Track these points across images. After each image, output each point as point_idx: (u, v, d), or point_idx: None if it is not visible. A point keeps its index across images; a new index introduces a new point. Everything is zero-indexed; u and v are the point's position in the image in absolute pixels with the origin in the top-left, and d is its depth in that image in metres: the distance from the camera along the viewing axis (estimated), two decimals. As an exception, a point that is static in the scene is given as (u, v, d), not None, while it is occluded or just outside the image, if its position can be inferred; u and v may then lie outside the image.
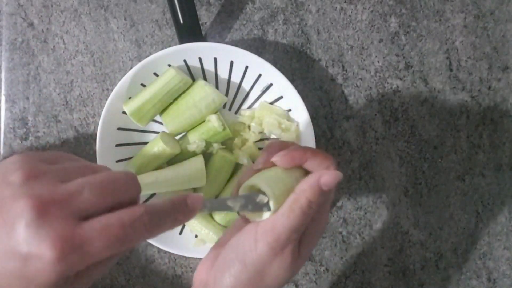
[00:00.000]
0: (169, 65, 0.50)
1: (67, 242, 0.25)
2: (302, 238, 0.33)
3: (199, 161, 0.50)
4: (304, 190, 0.31)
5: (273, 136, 0.54)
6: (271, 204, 0.32)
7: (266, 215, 0.32)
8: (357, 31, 0.56)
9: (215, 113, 0.51)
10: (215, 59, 0.51)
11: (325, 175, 0.31)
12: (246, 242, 0.32)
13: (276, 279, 0.32)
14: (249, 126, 0.53)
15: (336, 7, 0.55)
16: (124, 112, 0.50)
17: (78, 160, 0.32)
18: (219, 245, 0.35)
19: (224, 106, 0.54)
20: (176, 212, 0.30)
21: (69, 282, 0.27)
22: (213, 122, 0.50)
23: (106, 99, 0.49)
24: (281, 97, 0.52)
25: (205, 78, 0.53)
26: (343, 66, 0.56)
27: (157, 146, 0.50)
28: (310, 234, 0.33)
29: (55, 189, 0.26)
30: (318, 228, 0.34)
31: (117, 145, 0.51)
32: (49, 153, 0.31)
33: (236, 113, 0.54)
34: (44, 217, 0.25)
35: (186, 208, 0.30)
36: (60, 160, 0.30)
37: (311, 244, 0.34)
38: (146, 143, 0.52)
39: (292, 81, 0.50)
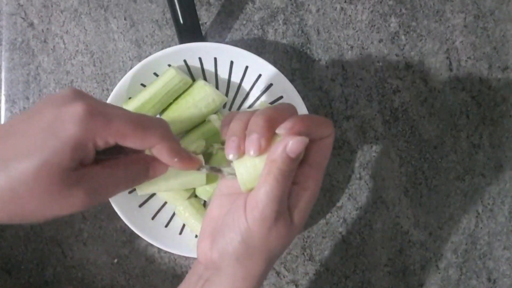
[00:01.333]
0: (169, 65, 0.50)
1: (94, 107, 0.30)
2: (291, 205, 0.34)
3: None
4: (274, 160, 0.32)
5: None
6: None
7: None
8: (357, 31, 0.56)
9: (215, 113, 0.51)
10: (215, 59, 0.51)
11: (290, 143, 0.32)
12: (240, 221, 0.34)
13: (278, 247, 0.35)
14: (249, 126, 0.53)
15: (336, 7, 0.55)
16: (124, 112, 0.50)
17: None
18: (211, 220, 0.37)
19: (224, 106, 0.54)
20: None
21: (88, 158, 0.31)
22: (214, 122, 0.50)
23: (106, 99, 0.49)
24: (281, 97, 0.52)
25: (205, 78, 0.53)
26: (343, 66, 0.56)
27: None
28: (299, 201, 0.34)
29: (113, 110, 0.32)
30: (308, 194, 0.35)
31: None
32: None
33: (236, 113, 0.54)
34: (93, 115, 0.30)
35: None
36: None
37: (303, 211, 0.35)
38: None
39: (292, 81, 0.50)
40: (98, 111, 0.31)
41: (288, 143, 0.32)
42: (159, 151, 0.35)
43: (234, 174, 0.36)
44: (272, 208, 0.32)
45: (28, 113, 0.31)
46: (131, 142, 0.32)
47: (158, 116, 0.52)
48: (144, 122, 0.33)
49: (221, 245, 0.35)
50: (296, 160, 0.33)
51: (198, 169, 0.37)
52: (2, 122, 0.55)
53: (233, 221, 0.34)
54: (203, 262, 0.36)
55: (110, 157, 0.34)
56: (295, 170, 0.34)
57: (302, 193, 0.35)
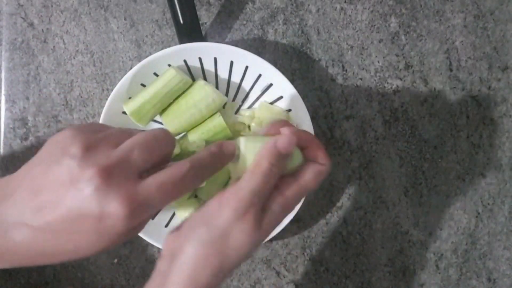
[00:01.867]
0: (169, 65, 0.50)
1: (133, 200, 0.30)
2: (266, 208, 0.34)
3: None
4: (264, 154, 0.34)
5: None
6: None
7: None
8: (357, 31, 0.56)
9: (216, 112, 0.51)
10: (215, 59, 0.51)
11: (280, 139, 0.34)
12: (211, 206, 0.33)
13: (238, 246, 0.33)
14: (249, 126, 0.53)
15: (336, 7, 0.55)
16: (124, 112, 0.50)
17: (112, 127, 0.36)
18: None
19: (224, 106, 0.54)
20: (215, 161, 0.35)
21: (134, 231, 0.32)
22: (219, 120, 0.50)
23: (106, 99, 0.49)
24: (281, 97, 0.52)
25: (205, 78, 0.53)
26: (343, 66, 0.56)
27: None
28: (275, 206, 0.34)
29: (113, 154, 0.30)
30: (283, 201, 0.35)
31: (117, 145, 0.51)
32: (90, 124, 0.35)
33: (236, 113, 0.54)
34: (110, 180, 0.29)
35: (223, 155, 0.35)
36: (100, 128, 0.34)
37: (274, 218, 0.34)
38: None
39: (292, 81, 0.50)
40: (137, 206, 0.30)
41: (279, 139, 0.34)
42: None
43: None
44: (250, 199, 0.32)
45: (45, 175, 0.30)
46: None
47: (157, 115, 0.52)
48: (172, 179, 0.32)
49: (186, 231, 0.33)
50: (284, 157, 0.34)
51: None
52: (2, 122, 0.55)
53: (204, 208, 0.34)
54: (165, 250, 0.35)
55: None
56: (280, 170, 0.34)
57: (279, 199, 0.34)
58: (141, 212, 0.30)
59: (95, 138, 0.31)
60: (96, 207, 0.29)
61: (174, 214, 0.53)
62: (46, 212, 0.30)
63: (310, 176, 0.36)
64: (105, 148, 0.31)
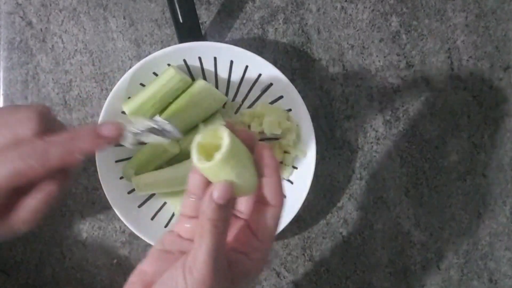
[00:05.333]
0: (169, 65, 0.50)
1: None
2: (236, 273, 0.33)
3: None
4: (203, 212, 0.31)
5: (273, 136, 0.54)
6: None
7: (218, 156, 0.30)
8: (357, 30, 0.55)
9: (216, 112, 0.51)
10: (215, 58, 0.50)
11: (215, 189, 0.31)
12: (179, 282, 0.31)
13: None
14: (249, 126, 0.53)
15: (337, 6, 0.55)
16: (123, 112, 0.50)
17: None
18: (145, 275, 0.34)
19: (224, 106, 0.53)
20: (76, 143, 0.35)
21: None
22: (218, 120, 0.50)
23: (105, 99, 0.49)
24: (281, 97, 0.51)
25: (205, 78, 0.52)
26: (343, 66, 0.55)
27: (156, 146, 0.49)
28: (245, 268, 0.33)
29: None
30: (253, 265, 0.33)
31: (116, 145, 0.51)
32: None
33: (236, 113, 0.54)
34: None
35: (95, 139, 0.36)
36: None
37: (245, 279, 0.33)
38: (146, 143, 0.52)
39: (292, 80, 0.50)
40: None
41: (213, 190, 0.31)
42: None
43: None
44: (210, 266, 0.30)
45: None
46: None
47: (157, 116, 0.51)
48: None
49: None
50: (226, 208, 0.31)
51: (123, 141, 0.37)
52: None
53: (171, 282, 0.31)
54: None
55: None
56: (228, 219, 0.32)
57: (248, 263, 0.33)
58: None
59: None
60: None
61: (173, 214, 0.53)
62: None
63: (269, 228, 0.34)
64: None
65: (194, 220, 0.34)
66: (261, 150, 0.33)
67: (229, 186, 0.31)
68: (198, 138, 0.31)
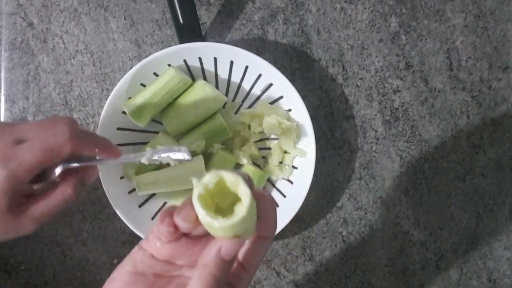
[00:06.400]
0: (169, 65, 0.50)
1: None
2: None
3: (199, 161, 0.50)
4: (206, 265, 0.28)
5: (273, 136, 0.54)
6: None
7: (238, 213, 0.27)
8: (357, 31, 0.55)
9: (216, 112, 0.51)
10: (215, 59, 0.51)
11: (225, 245, 0.28)
12: None
13: None
14: (249, 126, 0.53)
15: (336, 7, 0.55)
16: (124, 112, 0.50)
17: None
18: None
19: (224, 106, 0.54)
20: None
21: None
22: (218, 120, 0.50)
23: (106, 99, 0.49)
24: (281, 97, 0.52)
25: (205, 78, 0.53)
26: (343, 66, 0.56)
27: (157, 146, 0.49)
28: None
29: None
30: None
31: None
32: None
33: (236, 113, 0.54)
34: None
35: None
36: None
37: None
38: (146, 143, 0.52)
39: (292, 81, 0.50)
40: (8, 159, 0.36)
41: (222, 245, 0.28)
42: (80, 153, 0.39)
43: (182, 159, 0.40)
44: None
45: None
46: (49, 162, 0.37)
47: (157, 115, 0.52)
48: (50, 143, 0.37)
49: None
50: (231, 263, 0.29)
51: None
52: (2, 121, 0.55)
53: None
54: None
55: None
56: (228, 273, 0.30)
57: None
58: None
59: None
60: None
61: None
62: None
63: (257, 259, 0.32)
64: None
65: (168, 244, 0.31)
66: (262, 198, 0.30)
67: (240, 242, 0.29)
68: (200, 189, 0.28)
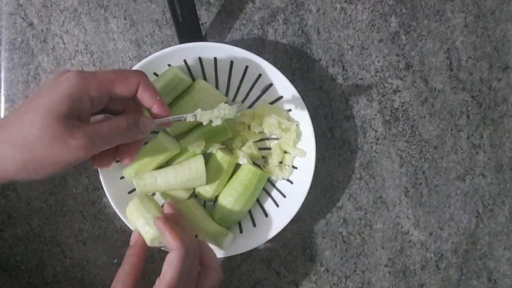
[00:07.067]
0: (169, 65, 0.50)
1: (83, 71, 0.39)
2: None
3: (199, 161, 0.50)
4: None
5: (273, 136, 0.54)
6: None
7: None
8: (357, 31, 0.55)
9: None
10: (215, 59, 0.51)
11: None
12: None
13: None
14: (249, 126, 0.53)
15: (336, 7, 0.55)
16: (124, 112, 0.50)
17: None
18: None
19: (224, 106, 0.54)
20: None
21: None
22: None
23: (106, 99, 0.49)
24: (281, 97, 0.52)
25: (205, 78, 0.53)
26: (343, 66, 0.56)
27: (157, 146, 0.49)
28: None
29: None
30: None
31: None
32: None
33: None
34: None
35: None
36: None
37: None
38: (146, 143, 0.52)
39: (292, 81, 0.50)
40: (86, 72, 0.39)
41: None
42: (142, 94, 0.41)
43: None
44: None
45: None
46: (118, 86, 0.39)
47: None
48: (123, 70, 0.41)
49: None
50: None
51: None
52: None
53: None
54: None
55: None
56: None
57: None
58: (89, 78, 0.38)
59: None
60: None
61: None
62: None
63: (167, 269, 0.42)
64: None
65: None
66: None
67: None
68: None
